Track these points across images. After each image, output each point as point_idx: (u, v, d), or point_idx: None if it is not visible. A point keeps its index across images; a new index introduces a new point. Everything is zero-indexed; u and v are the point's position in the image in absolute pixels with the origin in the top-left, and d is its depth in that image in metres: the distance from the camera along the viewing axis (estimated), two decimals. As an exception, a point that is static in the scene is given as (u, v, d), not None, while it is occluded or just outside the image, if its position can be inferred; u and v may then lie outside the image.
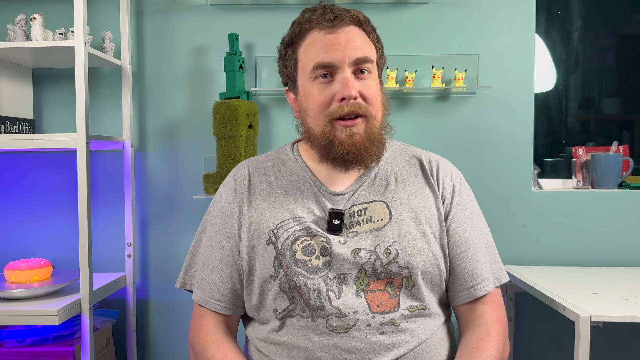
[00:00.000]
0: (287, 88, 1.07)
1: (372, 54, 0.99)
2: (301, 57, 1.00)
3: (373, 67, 0.99)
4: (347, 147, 0.96)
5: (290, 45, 1.02)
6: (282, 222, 0.98)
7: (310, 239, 0.96)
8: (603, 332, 1.69)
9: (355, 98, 0.95)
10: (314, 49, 0.97)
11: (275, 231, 0.98)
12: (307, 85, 0.99)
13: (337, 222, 0.97)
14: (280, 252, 0.96)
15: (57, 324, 1.32)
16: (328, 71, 0.96)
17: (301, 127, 1.04)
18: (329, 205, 0.99)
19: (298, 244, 0.96)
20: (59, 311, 1.32)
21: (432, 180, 1.04)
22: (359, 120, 0.96)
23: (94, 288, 1.46)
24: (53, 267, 1.60)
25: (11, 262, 1.46)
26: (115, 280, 1.63)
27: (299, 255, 0.95)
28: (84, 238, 1.39)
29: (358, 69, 0.96)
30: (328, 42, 0.96)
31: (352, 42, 0.96)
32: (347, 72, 0.95)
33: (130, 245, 1.71)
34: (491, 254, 1.05)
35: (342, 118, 0.96)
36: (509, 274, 1.56)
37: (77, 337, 1.52)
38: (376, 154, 1.00)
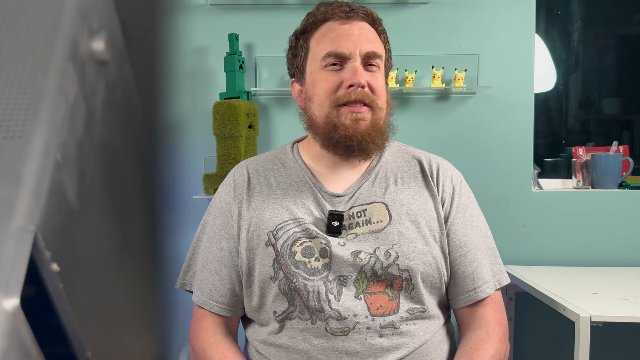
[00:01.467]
0: (292, 80, 1.07)
1: (382, 51, 1.00)
2: (312, 46, 1.00)
3: (382, 64, 1.00)
4: (350, 132, 0.95)
5: (302, 34, 1.02)
6: (281, 223, 0.98)
7: (309, 241, 0.96)
8: (603, 332, 1.68)
9: (363, 87, 0.95)
10: (327, 38, 0.98)
11: (275, 232, 0.97)
12: (316, 72, 0.99)
13: (336, 223, 0.97)
14: (280, 253, 0.96)
15: (57, 324, 1.32)
16: (339, 60, 0.97)
17: (304, 117, 1.04)
18: (329, 207, 0.99)
19: (297, 246, 0.96)
20: (59, 311, 1.32)
21: (431, 183, 1.03)
22: (365, 108, 0.96)
23: (94, 288, 1.46)
24: (53, 267, 1.60)
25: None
26: (115, 280, 1.63)
27: (298, 256, 0.95)
28: (84, 238, 1.39)
29: (368, 62, 0.97)
30: (342, 32, 0.97)
31: (364, 35, 0.97)
32: (358, 62, 0.96)
33: (130, 245, 1.71)
34: (492, 256, 1.05)
35: (347, 104, 0.96)
36: (509, 274, 1.56)
37: (77, 337, 1.52)
38: (379, 145, 1.00)
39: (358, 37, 0.96)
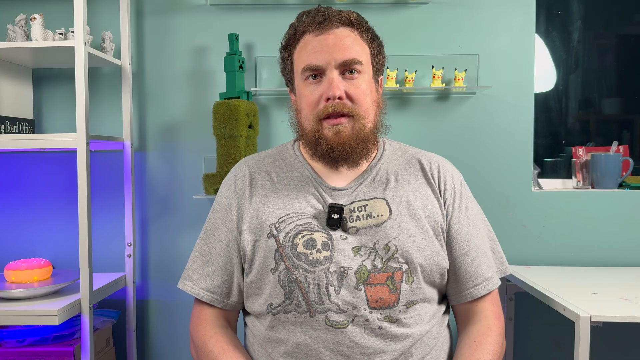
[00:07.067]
0: (289, 89, 1.11)
1: (362, 54, 1.00)
2: (295, 59, 1.03)
3: (364, 68, 1.00)
4: (332, 144, 0.99)
5: (286, 48, 1.05)
6: (283, 216, 1.00)
7: (311, 234, 0.98)
8: (603, 332, 1.68)
9: (340, 98, 0.97)
10: (305, 52, 1.00)
11: (277, 225, 1.00)
12: (300, 86, 1.02)
13: (336, 216, 0.98)
14: (282, 245, 0.98)
15: (57, 324, 1.32)
16: (317, 72, 0.99)
17: (296, 126, 1.07)
18: (329, 200, 1.01)
19: (299, 238, 0.98)
20: (59, 311, 1.32)
21: (432, 182, 1.05)
22: (343, 119, 0.98)
23: (94, 288, 1.46)
24: (53, 267, 1.60)
25: (11, 262, 1.46)
26: (115, 280, 1.63)
27: (300, 248, 0.97)
28: (84, 238, 1.39)
29: (346, 70, 0.99)
30: (317, 45, 0.99)
31: (340, 43, 0.98)
32: (334, 73, 0.98)
33: (130, 245, 1.71)
34: (494, 249, 1.09)
35: (328, 117, 0.99)
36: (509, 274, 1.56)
37: (77, 337, 1.52)
38: (364, 153, 1.03)
39: (333, 46, 0.98)
